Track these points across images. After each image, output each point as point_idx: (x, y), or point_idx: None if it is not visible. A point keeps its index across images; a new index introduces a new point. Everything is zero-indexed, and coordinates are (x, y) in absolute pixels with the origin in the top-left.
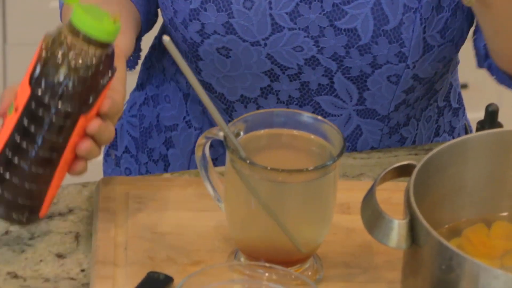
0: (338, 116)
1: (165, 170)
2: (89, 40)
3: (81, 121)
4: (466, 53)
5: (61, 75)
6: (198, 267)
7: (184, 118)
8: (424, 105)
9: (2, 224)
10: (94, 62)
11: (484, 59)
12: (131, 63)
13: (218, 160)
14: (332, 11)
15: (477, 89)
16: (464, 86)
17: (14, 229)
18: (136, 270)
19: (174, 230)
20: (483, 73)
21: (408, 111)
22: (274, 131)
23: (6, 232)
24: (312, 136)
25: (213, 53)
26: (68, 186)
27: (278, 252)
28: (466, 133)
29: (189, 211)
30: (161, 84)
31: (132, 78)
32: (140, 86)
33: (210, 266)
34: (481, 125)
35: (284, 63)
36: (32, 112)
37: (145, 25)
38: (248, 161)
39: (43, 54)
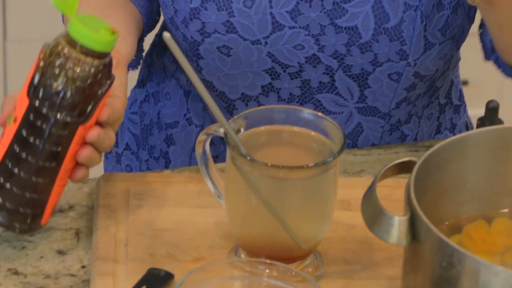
0: (339, 113)
1: (166, 167)
2: (86, 51)
3: (79, 131)
4: (466, 49)
5: (58, 86)
6: (199, 264)
7: (185, 115)
8: (425, 103)
9: None
10: (91, 72)
11: (490, 52)
12: (133, 63)
13: (219, 157)
14: (333, 10)
15: (477, 85)
16: (465, 82)
17: None
18: (136, 267)
19: (174, 227)
20: (484, 69)
21: (410, 108)
22: (275, 128)
23: None
24: (313, 133)
25: (213, 52)
26: (69, 183)
27: (279, 248)
28: (467, 130)
29: (190, 208)
30: (161, 81)
31: (133, 75)
32: (140, 83)
33: (210, 263)
34: (482, 122)
35: (285, 62)
36: (30, 122)
37: (147, 26)
38: (248, 158)
39: (41, 64)
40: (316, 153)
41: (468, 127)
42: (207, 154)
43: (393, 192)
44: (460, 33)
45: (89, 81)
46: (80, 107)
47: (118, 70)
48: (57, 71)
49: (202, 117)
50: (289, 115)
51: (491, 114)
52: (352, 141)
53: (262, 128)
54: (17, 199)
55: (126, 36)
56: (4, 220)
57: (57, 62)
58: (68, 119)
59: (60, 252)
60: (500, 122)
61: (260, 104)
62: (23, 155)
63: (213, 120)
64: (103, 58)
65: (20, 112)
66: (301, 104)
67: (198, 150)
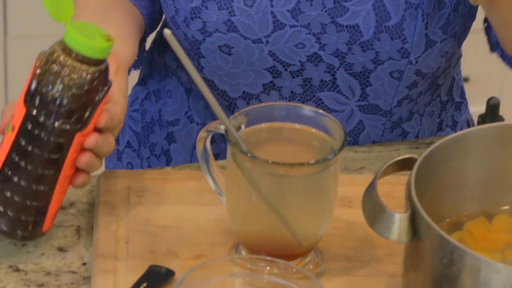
0: (341, 111)
1: (167, 165)
2: (81, 59)
3: (77, 138)
4: (467, 46)
5: (54, 94)
6: (200, 261)
7: (186, 113)
8: (427, 100)
9: None
10: (87, 79)
11: (495, 45)
12: (135, 64)
13: (220, 155)
14: (334, 8)
15: (478, 82)
16: (465, 79)
17: None
18: (137, 264)
19: (175, 224)
20: (484, 66)
21: (411, 106)
22: (275, 125)
23: None
24: (313, 130)
25: (215, 51)
26: None
27: (279, 245)
28: (469, 127)
29: (190, 205)
30: (163, 79)
31: (134, 73)
32: (142, 80)
33: (211, 260)
34: (482, 119)
35: (286, 60)
36: (28, 131)
37: (149, 27)
38: (249, 155)
39: (37, 72)
40: (317, 150)
41: (469, 124)
42: (207, 151)
43: (394, 189)
44: (462, 30)
45: (85, 88)
46: (77, 114)
47: (117, 76)
48: (53, 79)
49: (203, 115)
50: (289, 112)
51: (492, 111)
52: (353, 139)
53: (263, 125)
54: (18, 207)
55: (127, 38)
56: (6, 227)
57: (53, 70)
58: (65, 126)
59: (61, 249)
60: (501, 119)
61: (261, 102)
62: (22, 163)
63: (214, 118)
64: (99, 65)
65: (17, 121)
66: (303, 102)
67: (199, 147)
